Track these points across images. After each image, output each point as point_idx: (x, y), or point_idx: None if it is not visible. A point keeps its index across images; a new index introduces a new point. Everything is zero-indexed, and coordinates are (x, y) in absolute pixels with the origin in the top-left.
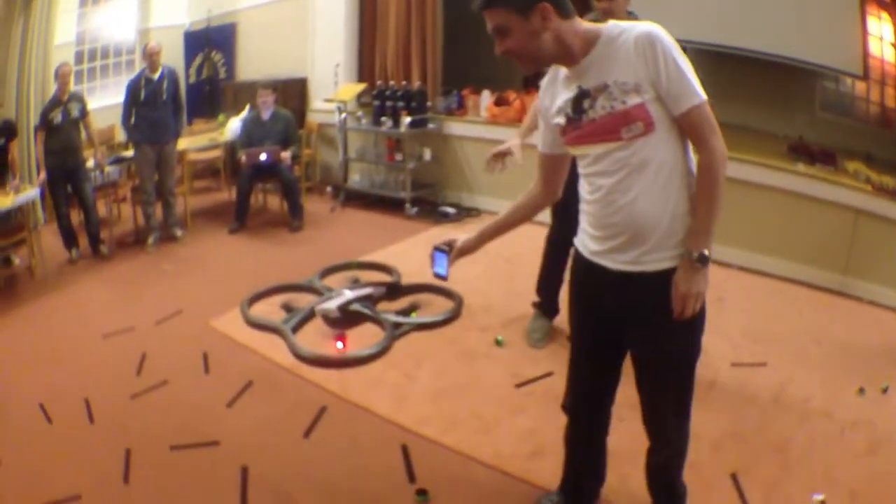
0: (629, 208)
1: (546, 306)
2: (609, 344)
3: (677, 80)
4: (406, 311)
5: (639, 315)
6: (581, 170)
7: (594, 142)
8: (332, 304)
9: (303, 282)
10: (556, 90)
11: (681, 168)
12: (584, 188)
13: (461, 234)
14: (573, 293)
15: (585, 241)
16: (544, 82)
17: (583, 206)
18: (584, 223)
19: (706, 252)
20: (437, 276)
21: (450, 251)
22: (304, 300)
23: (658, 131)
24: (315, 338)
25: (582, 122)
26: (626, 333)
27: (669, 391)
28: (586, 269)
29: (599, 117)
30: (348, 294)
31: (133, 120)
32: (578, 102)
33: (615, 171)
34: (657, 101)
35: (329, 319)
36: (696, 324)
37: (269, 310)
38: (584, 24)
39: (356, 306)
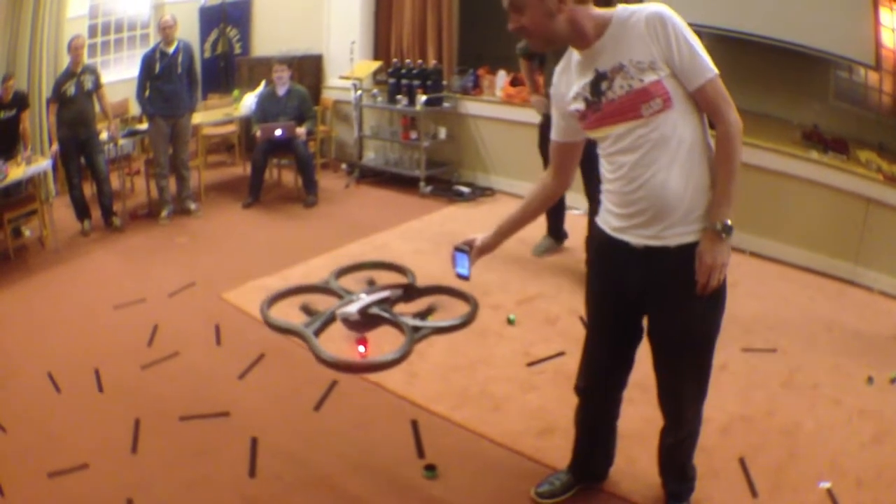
0: (652, 183)
1: (553, 230)
2: (627, 326)
3: (689, 56)
4: (423, 314)
5: (660, 290)
6: (601, 151)
7: (615, 122)
8: (352, 308)
9: (319, 283)
10: (570, 77)
11: (700, 143)
12: (605, 168)
13: (478, 233)
14: (593, 271)
15: (608, 219)
16: (558, 70)
17: (605, 186)
18: (607, 202)
19: (729, 222)
20: (460, 276)
21: (470, 251)
22: (321, 301)
23: (676, 107)
24: (336, 341)
25: (601, 103)
26: (644, 314)
27: (688, 369)
28: (608, 245)
29: (618, 97)
30: (366, 298)
31: (147, 93)
32: (596, 85)
33: (637, 147)
34: (672, 77)
35: (350, 323)
36: (717, 300)
37: (286, 309)
38: (597, 9)
39: (375, 310)
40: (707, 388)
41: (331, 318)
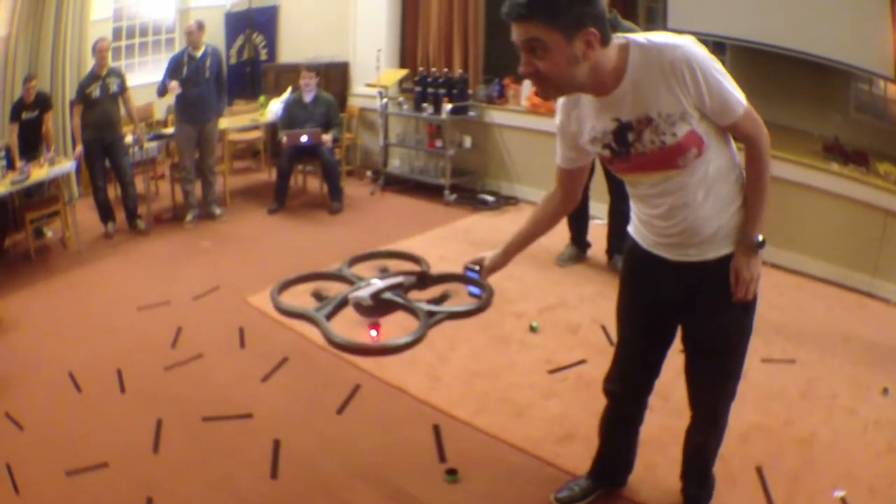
0: (692, 217)
1: (577, 240)
2: (661, 331)
3: (720, 97)
4: (438, 301)
5: (697, 298)
6: (633, 190)
7: (648, 171)
8: (364, 293)
9: (332, 270)
10: (581, 113)
11: (730, 165)
12: (640, 206)
13: (487, 251)
14: (626, 281)
15: (642, 237)
16: (564, 104)
17: (637, 213)
18: (641, 225)
19: (761, 237)
20: (472, 294)
21: (480, 270)
22: (333, 288)
23: (709, 147)
24: (348, 326)
25: (630, 154)
26: (678, 321)
27: (722, 372)
28: (644, 258)
29: (650, 151)
30: (379, 283)
31: (174, 97)
32: (622, 135)
33: (675, 190)
34: (703, 119)
35: (362, 308)
36: (750, 306)
37: (298, 297)
38: (615, 49)
39: (388, 295)
40: (737, 389)
41: (343, 303)
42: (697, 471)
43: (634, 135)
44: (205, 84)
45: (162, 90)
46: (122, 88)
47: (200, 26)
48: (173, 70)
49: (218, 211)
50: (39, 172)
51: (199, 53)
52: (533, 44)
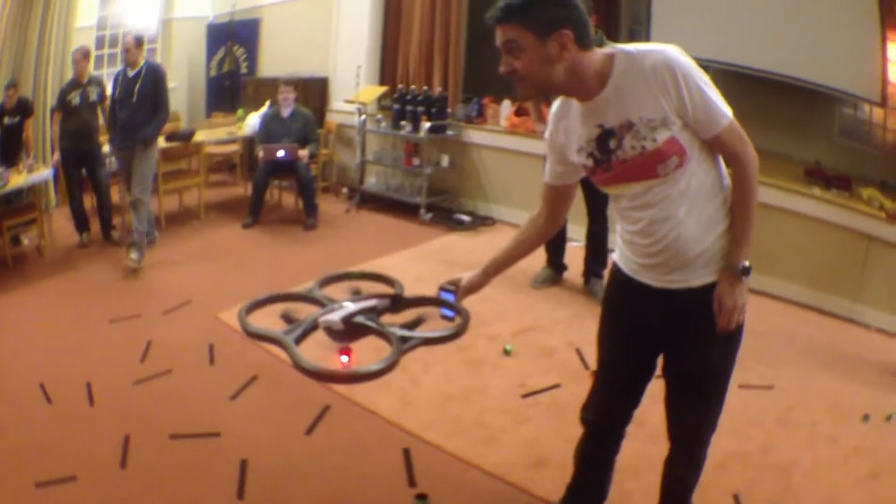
0: (673, 235)
1: (553, 262)
2: (642, 362)
3: (703, 106)
4: (412, 325)
5: (681, 327)
6: (616, 204)
7: (629, 181)
8: (335, 317)
9: (302, 291)
10: (569, 124)
11: (717, 185)
12: (619, 222)
13: (464, 272)
14: (608, 308)
15: (626, 261)
16: (554, 114)
17: (620, 234)
18: (625, 248)
19: (747, 263)
20: (444, 317)
21: (456, 291)
22: (303, 310)
23: (692, 158)
24: (318, 349)
25: (612, 163)
26: (660, 351)
27: (704, 403)
28: (626, 284)
29: (630, 158)
30: (351, 306)
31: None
32: (604, 142)
33: (654, 204)
34: (685, 128)
35: (332, 332)
36: (735, 336)
37: (267, 318)
38: (600, 56)
39: (360, 319)
40: (718, 420)
41: (312, 327)
42: (675, 501)
43: (616, 141)
44: (132, 106)
45: (105, 115)
46: (102, 97)
47: (138, 42)
48: (113, 90)
49: (134, 256)
50: (18, 179)
51: (132, 73)
52: (510, 45)
